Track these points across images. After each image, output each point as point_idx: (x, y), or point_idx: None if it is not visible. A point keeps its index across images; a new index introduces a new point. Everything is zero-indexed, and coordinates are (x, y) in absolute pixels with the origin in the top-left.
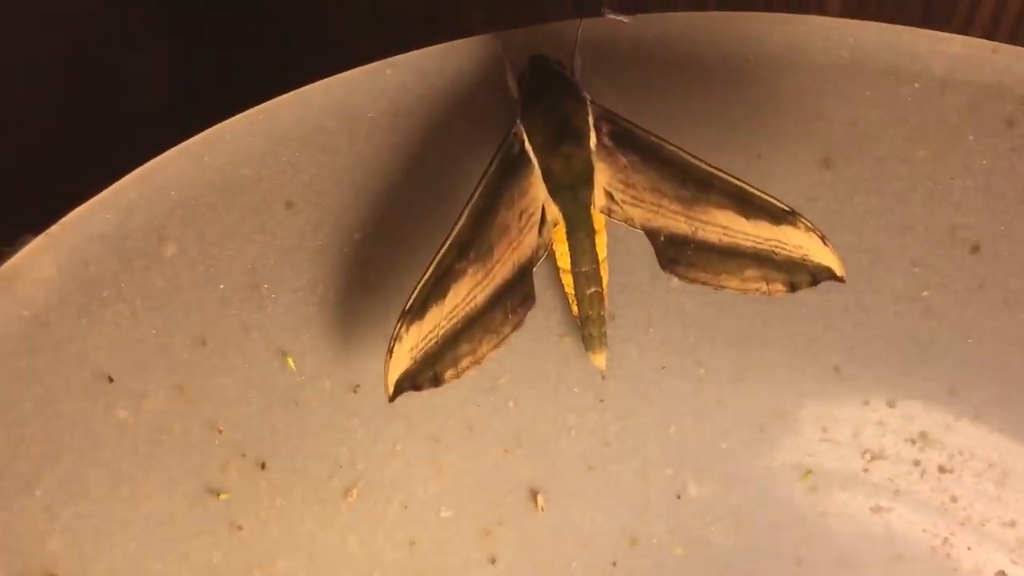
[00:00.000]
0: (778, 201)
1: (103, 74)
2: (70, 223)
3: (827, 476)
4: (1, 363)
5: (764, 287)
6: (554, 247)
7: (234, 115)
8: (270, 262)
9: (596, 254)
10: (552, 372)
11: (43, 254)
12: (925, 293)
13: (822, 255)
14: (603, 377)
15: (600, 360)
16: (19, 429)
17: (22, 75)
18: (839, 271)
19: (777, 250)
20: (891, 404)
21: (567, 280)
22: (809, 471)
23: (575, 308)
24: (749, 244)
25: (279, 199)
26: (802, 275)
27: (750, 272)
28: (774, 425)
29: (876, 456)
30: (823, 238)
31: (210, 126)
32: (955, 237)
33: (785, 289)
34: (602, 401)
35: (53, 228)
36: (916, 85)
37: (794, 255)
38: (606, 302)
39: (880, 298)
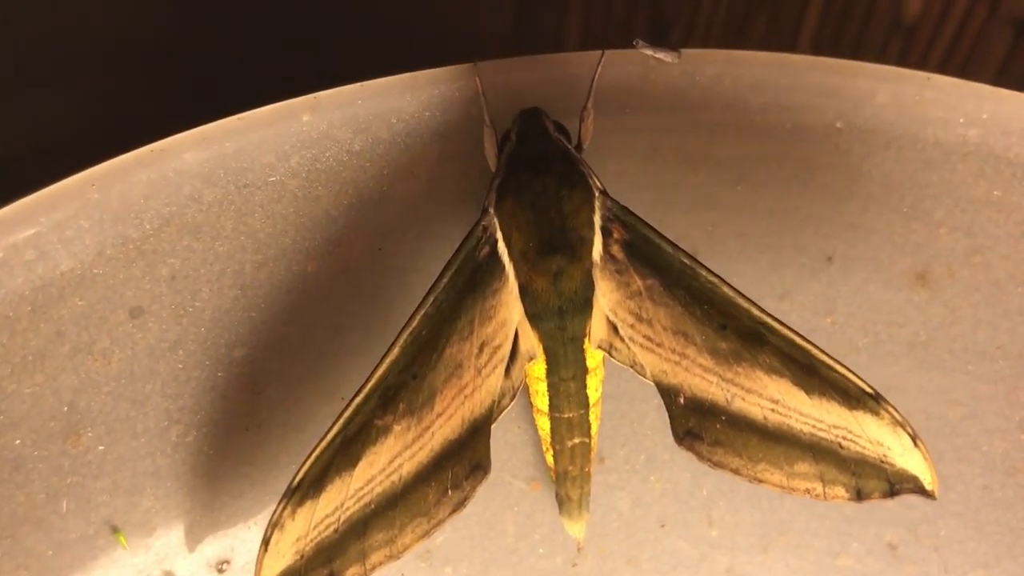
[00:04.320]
0: (858, 378)
1: None
2: None
3: None
4: None
5: (819, 489)
6: (527, 381)
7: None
8: (99, 398)
9: (586, 397)
10: (510, 528)
11: None
12: None
13: (909, 460)
14: (579, 548)
15: (577, 529)
16: None
17: None
18: (929, 485)
19: (846, 443)
20: None
21: (542, 423)
22: None
23: (549, 459)
24: (807, 429)
25: (121, 305)
26: (876, 481)
27: (802, 467)
28: None
29: None
30: (914, 438)
31: None
32: None
33: (847, 496)
34: (575, 566)
35: None
36: None
37: (869, 454)
38: (593, 454)
39: (965, 466)
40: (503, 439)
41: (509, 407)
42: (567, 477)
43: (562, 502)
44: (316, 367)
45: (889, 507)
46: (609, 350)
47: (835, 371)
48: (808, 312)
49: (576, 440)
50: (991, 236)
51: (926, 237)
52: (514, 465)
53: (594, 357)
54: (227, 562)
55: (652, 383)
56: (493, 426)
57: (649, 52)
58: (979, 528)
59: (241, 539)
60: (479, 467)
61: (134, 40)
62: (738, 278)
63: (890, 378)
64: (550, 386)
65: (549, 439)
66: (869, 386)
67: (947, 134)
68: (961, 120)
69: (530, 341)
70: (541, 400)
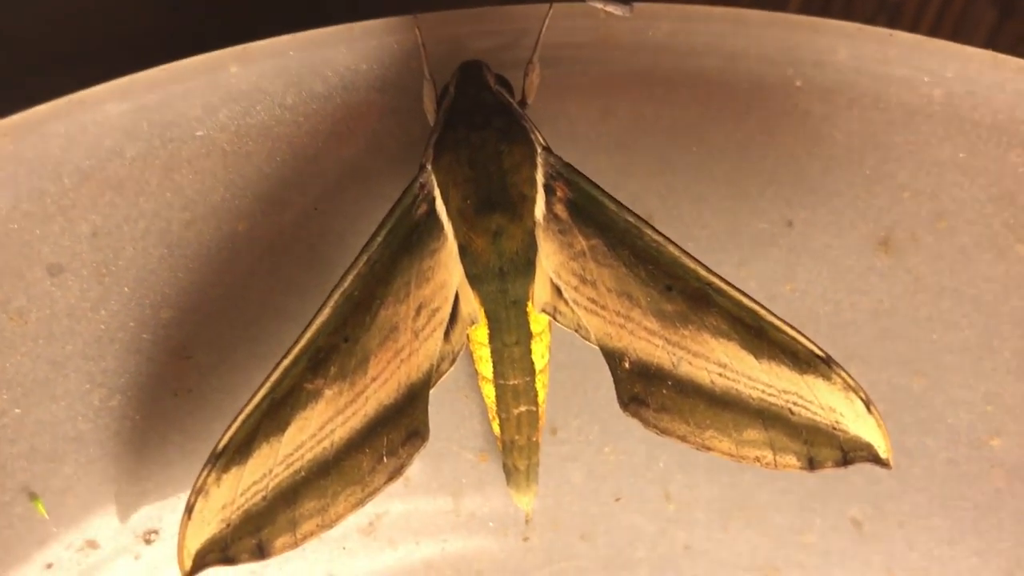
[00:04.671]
0: (808, 340)
1: None
2: None
3: None
4: None
5: (769, 457)
6: (470, 346)
7: None
8: (15, 359)
9: (531, 363)
10: (459, 501)
11: None
12: (995, 442)
13: (863, 427)
14: (527, 521)
15: (525, 501)
16: None
17: None
18: (884, 452)
19: (796, 409)
20: None
21: (487, 390)
22: None
23: (496, 428)
24: (755, 394)
25: (38, 262)
26: (828, 449)
27: (751, 434)
28: None
29: None
30: (868, 403)
31: None
32: None
33: (799, 464)
34: (527, 540)
35: None
36: None
37: (820, 420)
38: (541, 423)
39: (931, 438)
40: (450, 409)
41: (449, 372)
42: (514, 447)
43: (509, 473)
44: (249, 332)
45: (853, 482)
46: (553, 314)
47: (785, 334)
48: (767, 279)
49: (522, 408)
50: (956, 200)
51: (889, 201)
52: (461, 436)
53: (539, 321)
54: (155, 532)
55: (597, 347)
56: (440, 396)
57: (599, 5)
58: (944, 503)
59: (171, 509)
60: (416, 434)
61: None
62: (695, 244)
63: (852, 348)
64: (494, 352)
65: (495, 407)
66: (820, 349)
67: (911, 93)
68: (925, 79)
69: (471, 304)
70: (485, 367)
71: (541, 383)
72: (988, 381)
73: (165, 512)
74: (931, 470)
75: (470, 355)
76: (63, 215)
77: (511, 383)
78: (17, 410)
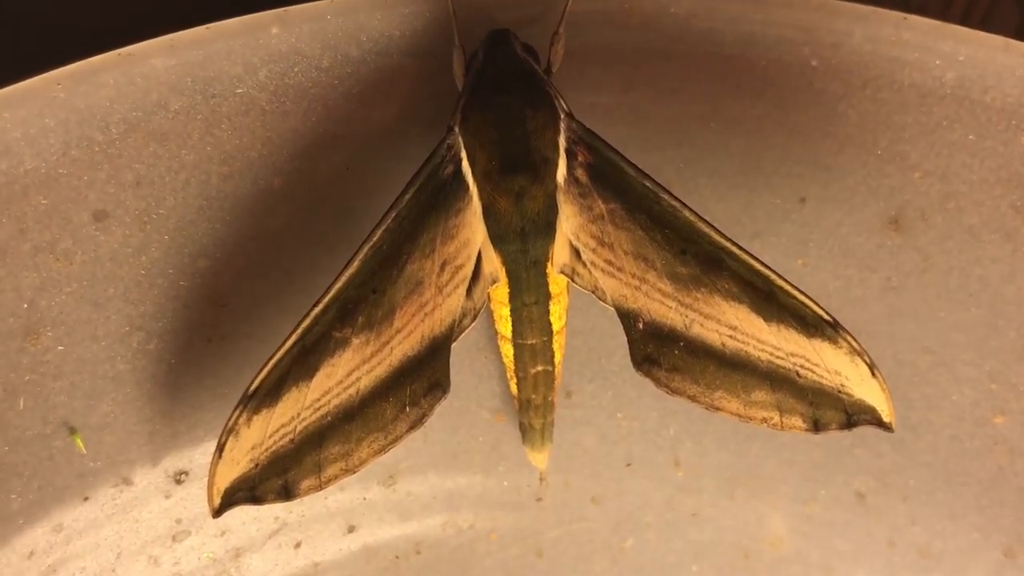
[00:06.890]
0: (816, 304)
1: None
2: None
3: None
4: None
5: (776, 419)
6: (491, 306)
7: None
8: (60, 298)
9: (549, 324)
10: (476, 458)
11: None
12: (999, 420)
13: (867, 390)
14: (542, 479)
15: (540, 459)
16: None
17: None
18: (887, 416)
19: (803, 371)
20: (924, 553)
21: (506, 349)
22: None
23: (513, 387)
24: (764, 357)
25: (85, 207)
26: (833, 412)
27: (759, 395)
28: (765, 554)
29: None
30: (872, 367)
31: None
32: None
33: (805, 426)
34: (540, 500)
35: None
36: None
37: (826, 383)
38: (557, 383)
39: (935, 415)
40: (469, 369)
41: (470, 328)
42: (530, 406)
43: (525, 431)
44: (281, 284)
45: (858, 455)
46: (571, 275)
47: (794, 298)
48: (779, 253)
49: (539, 368)
50: (965, 181)
51: (900, 181)
52: (480, 395)
53: (557, 283)
54: (185, 473)
55: (613, 309)
56: (460, 357)
57: None
58: (947, 479)
59: (201, 451)
60: (438, 385)
61: None
62: (710, 217)
63: (861, 324)
64: (513, 311)
65: (513, 367)
66: (828, 314)
67: (923, 76)
68: (937, 62)
69: (493, 264)
70: (504, 326)
71: (558, 344)
72: (993, 360)
73: (196, 454)
74: (935, 446)
75: (491, 315)
76: (109, 163)
77: (529, 343)
78: (60, 347)
